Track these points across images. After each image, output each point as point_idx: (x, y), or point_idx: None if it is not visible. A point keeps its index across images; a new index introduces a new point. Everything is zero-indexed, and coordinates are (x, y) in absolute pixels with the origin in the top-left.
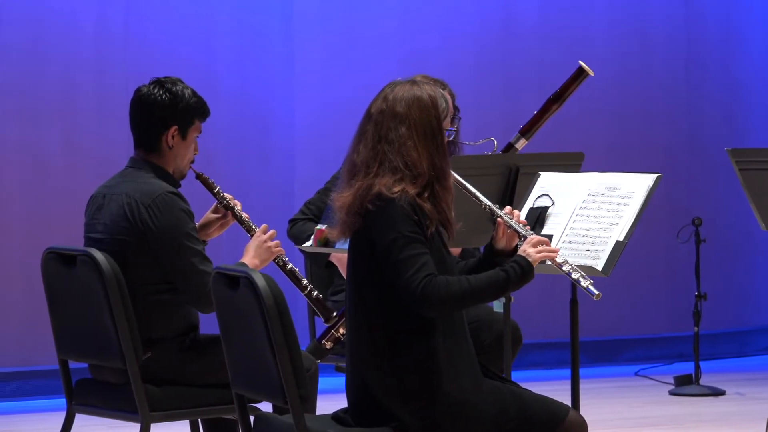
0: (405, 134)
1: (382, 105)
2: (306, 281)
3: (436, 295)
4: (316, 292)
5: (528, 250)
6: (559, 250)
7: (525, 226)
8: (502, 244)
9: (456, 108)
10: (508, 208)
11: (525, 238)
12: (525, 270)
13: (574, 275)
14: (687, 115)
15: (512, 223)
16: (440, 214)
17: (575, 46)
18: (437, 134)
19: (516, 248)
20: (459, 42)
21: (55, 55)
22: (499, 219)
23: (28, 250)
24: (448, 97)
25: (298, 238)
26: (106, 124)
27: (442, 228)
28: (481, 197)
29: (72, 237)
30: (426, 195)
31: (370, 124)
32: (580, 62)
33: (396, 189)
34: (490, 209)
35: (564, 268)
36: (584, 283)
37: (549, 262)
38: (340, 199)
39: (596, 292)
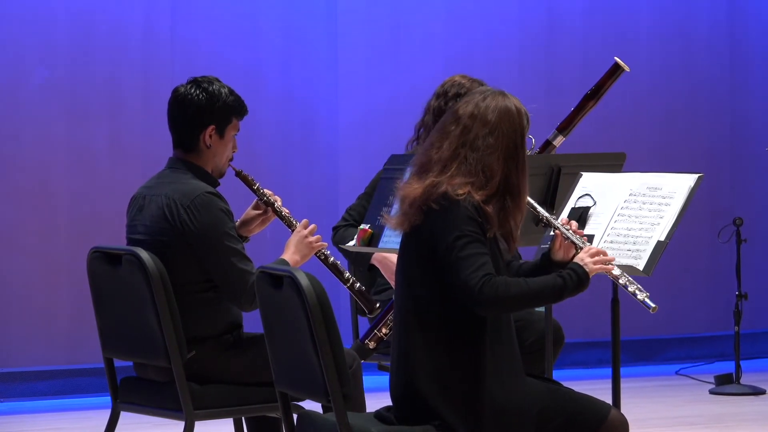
0: (492, 144)
1: (473, 110)
2: (348, 274)
3: (494, 295)
4: (358, 284)
5: (585, 259)
6: (614, 259)
7: (582, 237)
8: (559, 255)
9: None
10: (564, 219)
11: (582, 249)
12: (581, 278)
13: (631, 288)
14: (729, 115)
15: (569, 234)
16: (504, 227)
17: (618, 47)
18: (520, 150)
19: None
20: (503, 42)
21: (103, 56)
22: (556, 231)
23: (74, 249)
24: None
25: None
26: (152, 124)
27: (504, 240)
28: (539, 208)
29: (118, 236)
30: (492, 203)
31: (457, 126)
32: (616, 58)
33: (461, 191)
34: (547, 220)
35: (621, 281)
36: (641, 296)
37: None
38: (407, 189)
39: (653, 305)
